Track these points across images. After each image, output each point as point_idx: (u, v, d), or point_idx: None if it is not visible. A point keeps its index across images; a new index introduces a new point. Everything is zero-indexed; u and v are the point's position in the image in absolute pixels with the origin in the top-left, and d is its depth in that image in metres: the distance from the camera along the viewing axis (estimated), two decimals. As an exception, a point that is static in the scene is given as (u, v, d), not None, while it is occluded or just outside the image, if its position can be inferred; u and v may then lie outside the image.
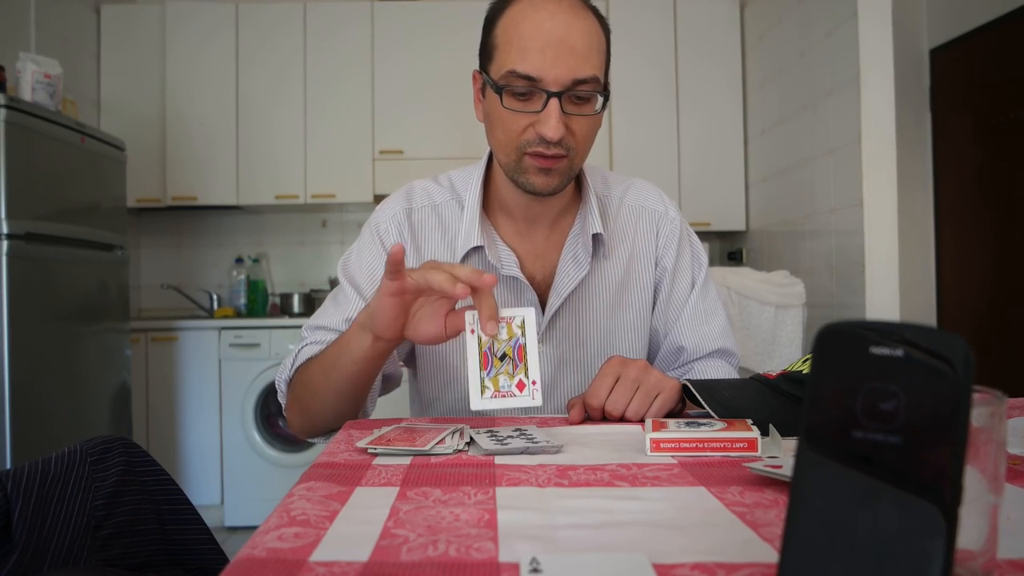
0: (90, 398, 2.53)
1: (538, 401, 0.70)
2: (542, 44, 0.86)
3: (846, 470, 0.30)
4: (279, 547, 0.42)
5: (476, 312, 0.72)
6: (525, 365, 0.71)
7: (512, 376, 0.71)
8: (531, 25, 0.87)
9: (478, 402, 0.71)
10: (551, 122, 0.87)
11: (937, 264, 2.94)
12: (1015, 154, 2.59)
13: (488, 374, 0.71)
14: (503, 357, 0.72)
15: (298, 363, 0.97)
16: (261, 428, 3.01)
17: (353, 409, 0.92)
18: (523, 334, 0.72)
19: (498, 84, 0.89)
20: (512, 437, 0.69)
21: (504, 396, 0.70)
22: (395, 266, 0.72)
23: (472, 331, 0.73)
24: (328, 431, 0.96)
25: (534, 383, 0.71)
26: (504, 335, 0.72)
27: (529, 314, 0.73)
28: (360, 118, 3.34)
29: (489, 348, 0.72)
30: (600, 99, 0.91)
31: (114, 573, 0.70)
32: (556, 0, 0.88)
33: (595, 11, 0.92)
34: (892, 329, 0.30)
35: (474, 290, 0.71)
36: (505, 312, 0.73)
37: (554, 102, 0.87)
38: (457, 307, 0.77)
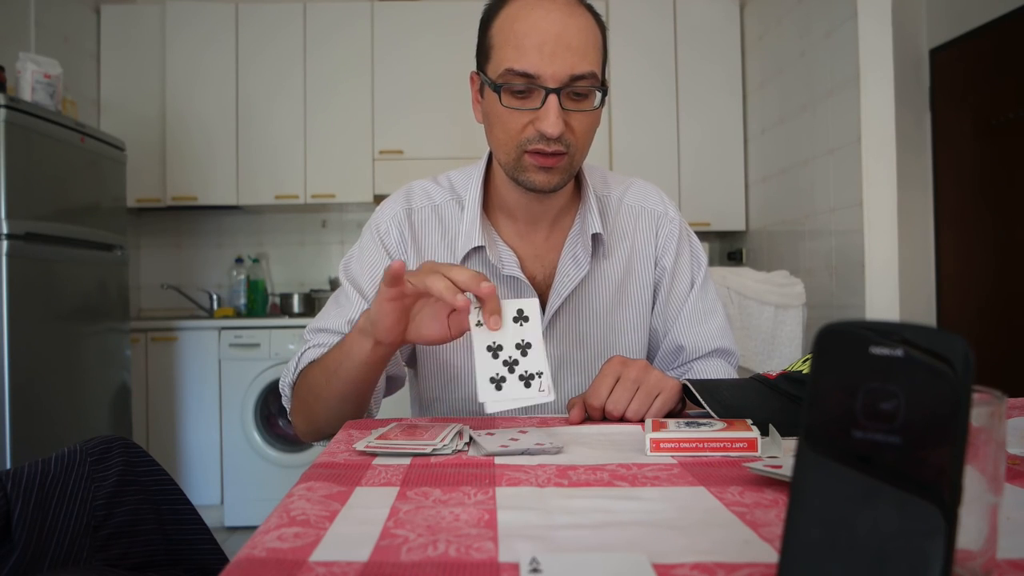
0: (90, 398, 2.53)
1: (551, 396, 0.69)
2: (539, 41, 0.86)
3: (846, 470, 0.30)
4: (279, 547, 0.42)
5: (479, 307, 0.72)
6: (532, 360, 0.71)
7: (521, 370, 0.70)
8: (527, 23, 0.87)
9: (491, 404, 0.70)
10: (550, 118, 0.87)
11: (937, 264, 2.94)
12: (1015, 154, 2.59)
13: (497, 372, 0.70)
14: (509, 351, 0.71)
15: (301, 367, 0.97)
16: (261, 428, 3.01)
17: (357, 412, 0.92)
18: (526, 328, 0.72)
19: (496, 83, 0.89)
20: (514, 440, 0.69)
21: (515, 395, 0.69)
22: (394, 277, 0.72)
23: (478, 323, 0.72)
24: (334, 434, 0.96)
25: (542, 376, 0.70)
26: (508, 328, 0.72)
27: (532, 304, 0.73)
28: (360, 118, 3.34)
29: (494, 342, 0.71)
30: (598, 95, 0.91)
31: (114, 573, 0.70)
32: None
33: (590, 8, 0.93)
34: (892, 329, 0.30)
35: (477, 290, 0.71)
36: (507, 304, 0.73)
37: (552, 98, 0.87)
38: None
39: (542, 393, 0.69)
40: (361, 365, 0.83)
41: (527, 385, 0.69)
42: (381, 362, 0.84)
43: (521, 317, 0.72)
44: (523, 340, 0.71)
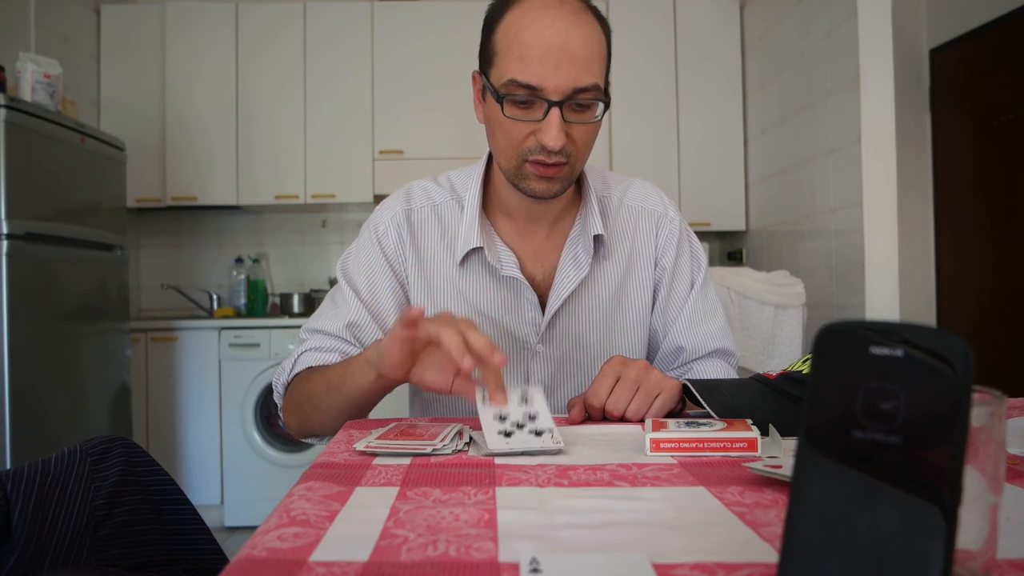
0: (90, 398, 2.53)
1: (560, 444, 0.68)
2: (542, 53, 0.85)
3: (846, 470, 0.30)
4: (279, 547, 0.42)
5: (484, 388, 0.72)
6: (539, 421, 0.70)
7: (528, 426, 0.70)
8: (531, 33, 0.86)
9: (496, 446, 0.68)
10: (552, 132, 0.87)
11: (937, 264, 2.94)
12: (1015, 154, 2.59)
13: (503, 427, 0.70)
14: (516, 415, 0.71)
15: (297, 369, 0.97)
16: (261, 428, 3.01)
17: (354, 420, 0.92)
18: (531, 405, 0.72)
19: (499, 92, 0.89)
20: (518, 428, 0.69)
21: (525, 444, 0.68)
22: (410, 323, 0.72)
23: (483, 400, 0.72)
24: (325, 436, 0.96)
25: (552, 431, 0.70)
26: (514, 406, 0.72)
27: (536, 390, 0.73)
28: (360, 118, 3.34)
29: (500, 412, 0.71)
30: (601, 106, 0.91)
31: (114, 573, 0.70)
32: (557, 5, 0.87)
33: (595, 12, 0.92)
34: (892, 329, 0.30)
35: (482, 363, 0.71)
36: (512, 392, 0.73)
37: (555, 111, 0.87)
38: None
39: (556, 443, 0.68)
40: (363, 390, 0.84)
41: (537, 435, 0.69)
42: (383, 391, 0.86)
43: (524, 399, 0.72)
44: (529, 411, 0.71)
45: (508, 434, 0.69)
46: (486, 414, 0.71)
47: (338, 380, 0.87)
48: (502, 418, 0.71)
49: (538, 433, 0.69)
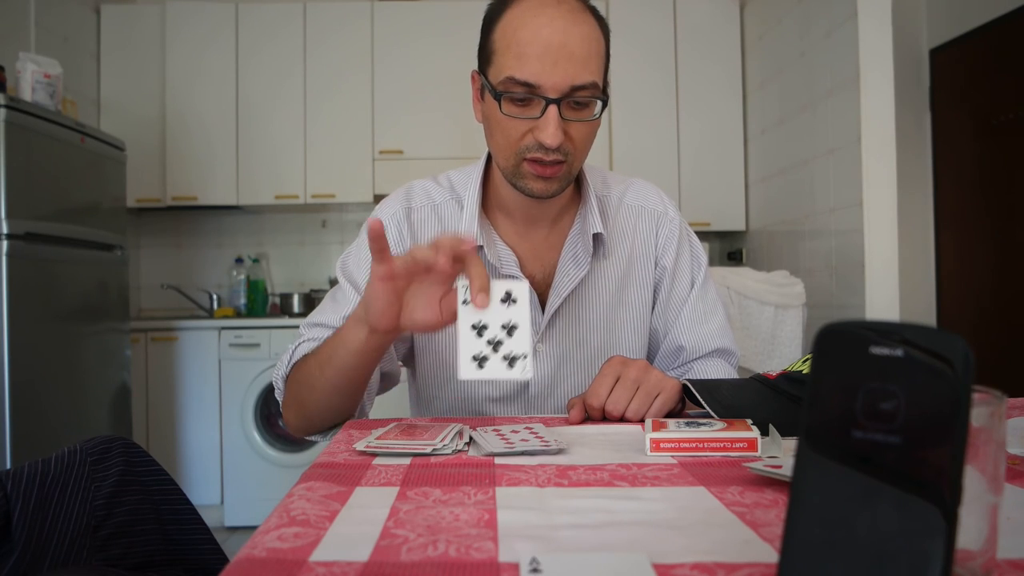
0: (90, 398, 2.53)
1: (528, 374, 0.69)
2: (540, 50, 0.86)
3: (846, 470, 0.30)
4: (279, 547, 0.42)
5: (467, 283, 0.71)
6: (516, 338, 0.70)
7: (504, 351, 0.70)
8: (529, 31, 0.87)
9: (467, 372, 0.69)
10: (549, 129, 0.87)
11: (937, 264, 2.94)
12: (1015, 154, 2.59)
13: (478, 347, 0.70)
14: (495, 329, 0.70)
15: (295, 359, 0.96)
16: (261, 428, 3.01)
17: (350, 405, 0.91)
18: (514, 308, 0.71)
19: (497, 90, 0.89)
20: (524, 441, 0.69)
21: (496, 374, 0.69)
22: (378, 243, 0.71)
23: (464, 301, 0.71)
24: (325, 429, 0.95)
25: (524, 356, 0.69)
26: (495, 309, 0.71)
27: (521, 287, 0.72)
28: (360, 118, 3.34)
29: (480, 321, 0.71)
30: (599, 104, 0.91)
31: (114, 573, 0.70)
32: (555, 4, 0.88)
33: (594, 12, 0.92)
34: (892, 329, 0.30)
35: (463, 262, 0.71)
36: (496, 284, 0.72)
37: (552, 109, 0.87)
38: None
39: (520, 372, 0.68)
40: (356, 354, 0.82)
41: (510, 365, 0.69)
42: (376, 352, 0.83)
43: (509, 299, 0.71)
44: (509, 321, 0.70)
45: (482, 360, 0.69)
46: (465, 323, 0.70)
47: (330, 352, 0.85)
48: (480, 330, 0.70)
49: (511, 360, 0.69)
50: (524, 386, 1.04)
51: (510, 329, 0.70)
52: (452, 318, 0.74)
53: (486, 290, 0.70)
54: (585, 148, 0.94)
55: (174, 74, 3.32)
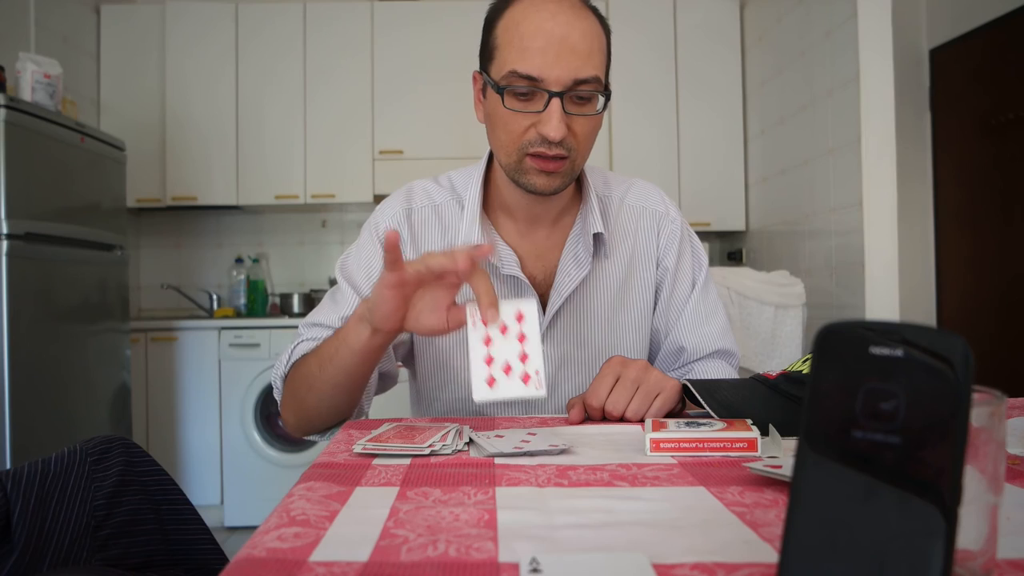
0: (90, 398, 2.53)
1: (542, 392, 0.69)
2: (543, 44, 0.86)
3: (846, 470, 0.30)
4: (279, 547, 0.42)
5: (476, 305, 0.72)
6: (527, 355, 0.70)
7: (515, 368, 0.70)
8: (532, 25, 0.87)
9: (481, 394, 0.69)
10: (552, 122, 0.87)
11: (937, 264, 2.94)
12: (1015, 154, 2.59)
13: (491, 367, 0.70)
14: (506, 349, 0.71)
15: (294, 359, 0.96)
16: (261, 428, 3.01)
17: (349, 404, 0.91)
18: (524, 325, 0.71)
19: (499, 84, 0.89)
20: (525, 442, 0.69)
21: (509, 392, 0.69)
22: (392, 254, 0.71)
23: (474, 323, 0.71)
24: (323, 428, 0.95)
25: (537, 373, 0.70)
26: (505, 327, 0.71)
27: (529, 305, 0.72)
28: (360, 118, 3.34)
29: (491, 341, 0.71)
30: (601, 99, 0.91)
31: (114, 573, 0.70)
32: (556, 0, 0.88)
33: (595, 11, 0.92)
34: (892, 329, 0.30)
35: (472, 277, 0.71)
36: (505, 305, 0.72)
37: (555, 102, 0.87)
38: (458, 301, 0.77)
39: (535, 389, 0.69)
40: (357, 353, 0.82)
41: (524, 383, 0.69)
42: (377, 351, 0.83)
43: (519, 317, 0.72)
44: (521, 339, 0.71)
45: (495, 380, 0.69)
46: (476, 344, 0.71)
47: (331, 351, 0.85)
48: (491, 352, 0.70)
49: (525, 379, 0.69)
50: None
51: (522, 347, 0.70)
52: (456, 326, 0.75)
53: (495, 305, 0.71)
54: (588, 144, 0.94)
55: (174, 74, 3.32)
